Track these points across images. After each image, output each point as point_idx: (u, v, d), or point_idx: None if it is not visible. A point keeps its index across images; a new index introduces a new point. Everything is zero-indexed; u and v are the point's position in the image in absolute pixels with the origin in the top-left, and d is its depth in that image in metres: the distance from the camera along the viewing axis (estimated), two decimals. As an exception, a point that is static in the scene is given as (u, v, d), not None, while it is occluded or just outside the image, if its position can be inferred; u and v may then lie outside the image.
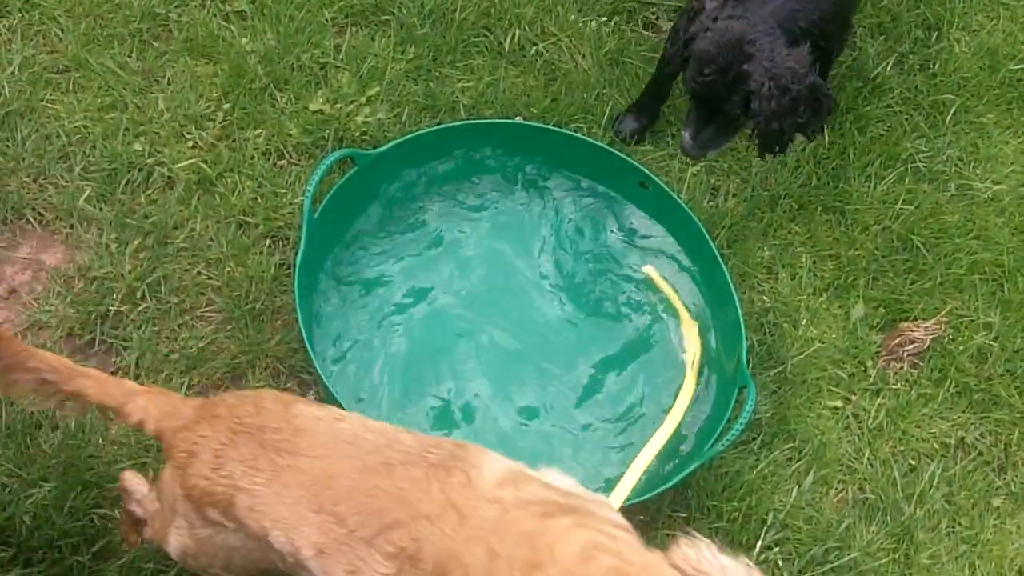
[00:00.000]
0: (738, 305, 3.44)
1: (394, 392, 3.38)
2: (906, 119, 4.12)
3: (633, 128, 3.85)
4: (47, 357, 2.60)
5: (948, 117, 4.15)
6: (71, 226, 3.50)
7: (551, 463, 3.27)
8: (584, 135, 3.77)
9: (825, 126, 3.44)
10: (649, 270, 3.66)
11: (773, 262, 3.78)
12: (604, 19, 4.12)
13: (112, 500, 3.06)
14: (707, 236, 3.57)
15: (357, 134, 3.75)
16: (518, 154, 3.73)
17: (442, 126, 3.72)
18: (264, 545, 2.42)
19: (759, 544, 3.29)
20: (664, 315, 3.61)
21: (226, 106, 3.76)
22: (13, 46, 3.78)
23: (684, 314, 3.59)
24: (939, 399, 3.64)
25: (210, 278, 3.47)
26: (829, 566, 3.31)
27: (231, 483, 2.41)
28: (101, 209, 3.53)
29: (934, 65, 4.25)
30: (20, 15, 3.83)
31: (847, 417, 3.57)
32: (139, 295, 3.41)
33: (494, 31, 4.05)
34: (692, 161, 3.59)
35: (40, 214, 3.52)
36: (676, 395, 3.43)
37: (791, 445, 3.48)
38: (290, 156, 3.72)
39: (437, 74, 3.95)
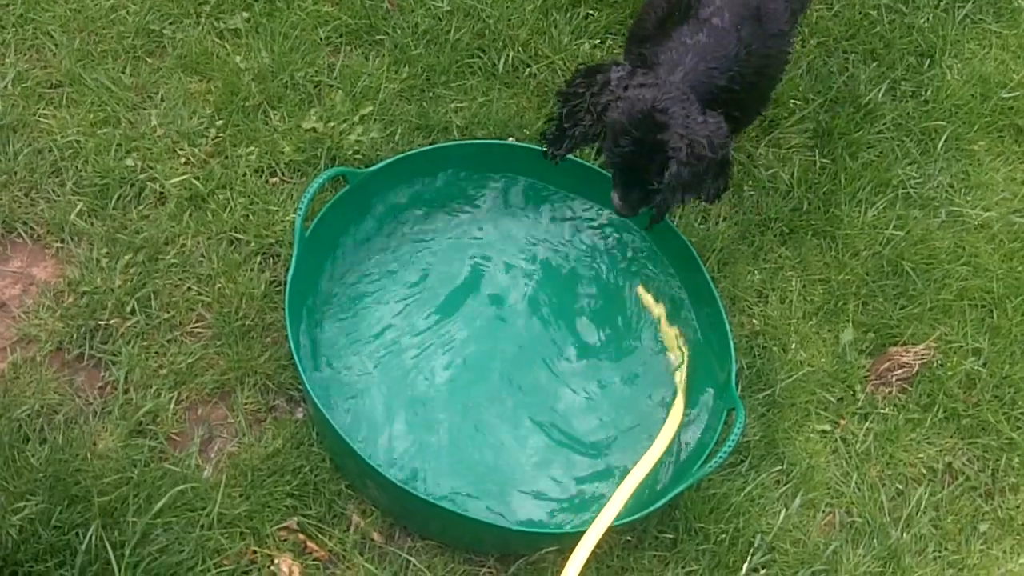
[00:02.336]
0: (728, 328, 3.45)
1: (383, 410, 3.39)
2: (898, 145, 4.14)
3: None
4: None
5: (939, 144, 4.16)
6: (62, 240, 3.50)
7: (536, 478, 3.33)
8: (577, 157, 3.77)
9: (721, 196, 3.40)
10: (640, 291, 3.66)
11: (763, 286, 3.79)
12: (597, 41, 4.14)
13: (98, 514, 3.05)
14: (698, 259, 3.57)
15: (350, 153, 3.76)
16: (510, 175, 3.74)
17: (435, 146, 3.72)
18: None
19: (746, 566, 3.28)
20: (654, 336, 3.61)
21: (219, 123, 3.76)
22: (7, 60, 3.78)
23: (673, 336, 3.60)
24: (927, 424, 3.64)
25: (200, 294, 3.47)
26: (816, 589, 3.32)
27: None
28: (92, 224, 3.53)
29: (926, 92, 4.27)
30: (14, 29, 3.84)
31: (835, 441, 3.57)
32: (129, 310, 3.40)
33: (488, 52, 4.06)
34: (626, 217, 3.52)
35: (31, 228, 3.52)
36: (665, 417, 3.42)
37: (779, 468, 3.48)
38: (282, 174, 3.73)
39: (430, 94, 3.96)
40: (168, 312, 3.43)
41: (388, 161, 3.58)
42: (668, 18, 3.41)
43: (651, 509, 3.13)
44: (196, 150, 3.71)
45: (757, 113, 3.76)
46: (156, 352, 3.37)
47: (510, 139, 3.86)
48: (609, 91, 3.22)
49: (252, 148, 3.73)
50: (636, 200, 3.32)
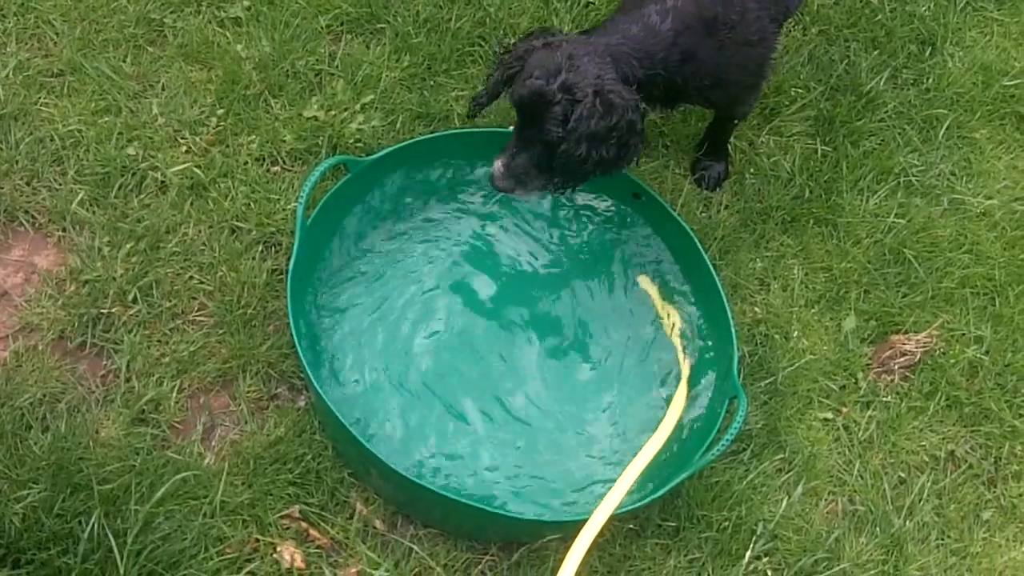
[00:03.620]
0: (730, 316, 3.45)
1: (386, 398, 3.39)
2: (899, 133, 4.14)
3: None
4: None
5: (941, 132, 4.16)
6: (64, 229, 3.50)
7: (540, 466, 3.33)
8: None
9: (625, 166, 3.36)
10: (643, 280, 3.66)
11: (765, 274, 3.78)
12: (599, 30, 4.14)
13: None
14: (700, 247, 3.57)
15: (351, 141, 3.76)
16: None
17: (436, 134, 3.72)
18: None
19: (748, 554, 3.28)
20: (659, 325, 3.61)
21: (220, 112, 3.76)
22: (8, 49, 3.78)
23: (676, 325, 3.60)
24: (929, 412, 3.64)
25: (202, 282, 3.47)
26: (818, 577, 3.33)
27: None
28: (94, 213, 3.53)
29: (927, 80, 4.27)
30: (16, 18, 3.84)
31: (837, 429, 3.57)
32: (131, 298, 3.40)
33: (489, 41, 4.05)
34: (500, 192, 3.41)
35: (33, 217, 3.52)
36: (667, 405, 3.42)
37: (781, 456, 3.48)
38: (283, 162, 3.73)
39: (431, 82, 3.95)
40: (170, 301, 3.43)
41: (389, 149, 3.58)
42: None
43: (653, 497, 3.13)
44: (197, 139, 3.70)
45: (741, 113, 3.80)
46: (158, 340, 3.37)
47: (511, 127, 3.84)
48: (533, 41, 3.30)
49: (253, 137, 3.73)
50: (519, 170, 3.30)
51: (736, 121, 3.86)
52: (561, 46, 3.21)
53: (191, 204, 3.59)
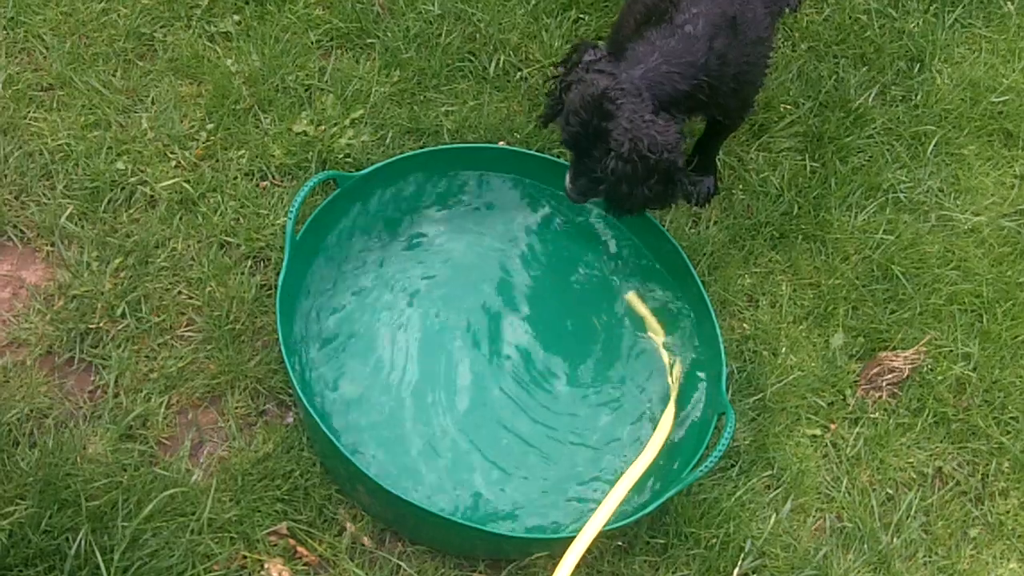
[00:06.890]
0: (718, 332, 3.45)
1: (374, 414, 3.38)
2: (888, 150, 4.15)
3: None
4: None
5: (929, 148, 4.17)
6: (52, 244, 3.49)
7: (528, 483, 3.33)
8: (567, 161, 3.77)
9: (675, 203, 3.47)
10: (631, 297, 3.67)
11: (754, 290, 3.79)
12: (589, 46, 4.15)
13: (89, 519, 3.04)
14: (689, 263, 3.58)
15: (340, 156, 3.76)
16: (501, 177, 3.74)
17: (425, 149, 3.72)
18: None
19: (736, 571, 3.28)
20: (646, 342, 3.61)
21: (210, 126, 3.76)
22: (-3, 63, 3.79)
23: (663, 342, 3.60)
24: (917, 429, 3.64)
25: (191, 298, 3.47)
26: (806, 594, 3.33)
27: None
28: (83, 227, 3.52)
29: (916, 96, 4.28)
30: (5, 32, 3.84)
31: (825, 445, 3.57)
32: (119, 313, 3.40)
33: (479, 56, 4.06)
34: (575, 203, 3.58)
35: (21, 231, 3.52)
36: (656, 423, 3.42)
37: (769, 473, 3.48)
38: (273, 177, 3.73)
39: (421, 98, 3.96)
40: (158, 316, 3.42)
41: (379, 165, 3.58)
42: (646, 22, 3.43)
43: (642, 514, 3.13)
44: (187, 153, 3.70)
45: (742, 118, 3.76)
46: (146, 356, 3.37)
47: (501, 143, 3.86)
48: (576, 71, 3.31)
49: (243, 151, 3.73)
50: (584, 186, 3.39)
51: (728, 133, 3.86)
52: (595, 82, 3.22)
53: (180, 219, 3.59)
